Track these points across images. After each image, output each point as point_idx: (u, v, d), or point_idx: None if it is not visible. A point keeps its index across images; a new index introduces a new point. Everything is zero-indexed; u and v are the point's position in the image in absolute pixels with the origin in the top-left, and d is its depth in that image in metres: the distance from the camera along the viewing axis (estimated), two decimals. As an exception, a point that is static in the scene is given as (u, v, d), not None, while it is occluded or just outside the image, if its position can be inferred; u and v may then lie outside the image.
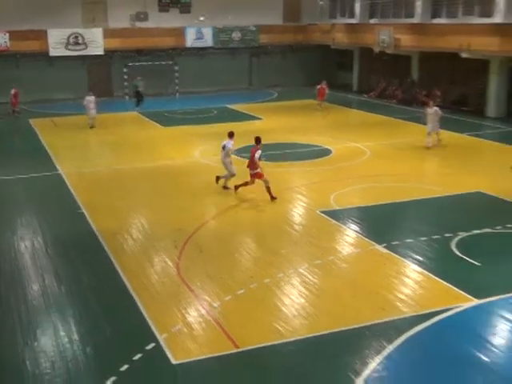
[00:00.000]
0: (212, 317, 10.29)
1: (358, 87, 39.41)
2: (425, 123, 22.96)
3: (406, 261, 12.47)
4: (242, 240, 14.24)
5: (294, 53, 40.87)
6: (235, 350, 9.25)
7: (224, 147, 17.28)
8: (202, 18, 38.53)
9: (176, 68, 38.50)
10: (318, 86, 31.74)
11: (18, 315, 10.52)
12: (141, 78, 34.65)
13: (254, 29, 40.26)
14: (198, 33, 39.28)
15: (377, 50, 34.94)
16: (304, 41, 40.77)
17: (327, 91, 31.53)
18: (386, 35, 34.00)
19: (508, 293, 10.87)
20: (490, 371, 8.72)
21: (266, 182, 16.33)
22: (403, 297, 10.89)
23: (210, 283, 11.63)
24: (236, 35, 40.20)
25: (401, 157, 21.67)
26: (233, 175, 17.44)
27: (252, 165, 16.51)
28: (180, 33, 38.87)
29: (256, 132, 26.37)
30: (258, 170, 16.38)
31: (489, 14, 29.26)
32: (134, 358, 9.00)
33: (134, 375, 8.68)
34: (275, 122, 29.10)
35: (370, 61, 37.78)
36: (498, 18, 28.39)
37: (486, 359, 8.94)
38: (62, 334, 9.87)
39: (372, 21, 37.63)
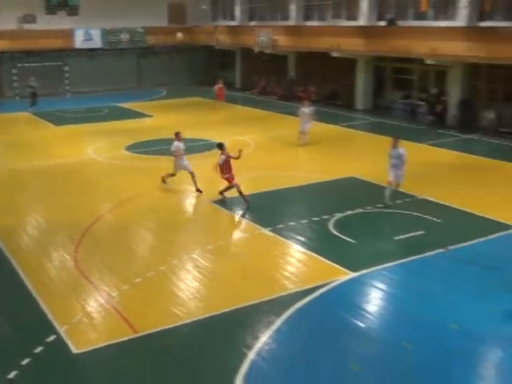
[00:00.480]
0: (111, 306, 10.07)
1: (241, 85, 39.74)
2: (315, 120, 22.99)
3: (289, 242, 12.77)
4: (138, 231, 14.01)
5: (180, 53, 40.53)
6: (135, 335, 9.11)
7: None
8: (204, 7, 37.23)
9: (66, 69, 37.09)
10: (216, 87, 31.08)
11: None
12: (34, 78, 33.04)
13: (142, 30, 39.54)
14: (86, 34, 38.00)
15: (257, 50, 35.39)
16: (189, 42, 40.51)
17: (225, 91, 31.17)
18: (265, 36, 34.50)
19: (379, 265, 11.39)
20: (366, 335, 9.13)
21: (237, 186, 15.16)
22: (288, 275, 11.16)
23: (108, 274, 11.36)
24: (124, 36, 39.31)
25: (283, 147, 22.09)
26: (173, 175, 16.50)
27: (222, 170, 15.34)
28: (68, 34, 37.44)
29: (147, 129, 26.19)
30: (228, 175, 15.23)
31: (354, 18, 30.42)
32: (35, 351, 8.64)
33: (35, 368, 8.33)
34: (165, 119, 28.74)
35: (251, 60, 38.19)
36: (362, 21, 29.58)
37: (362, 325, 9.35)
38: (-41, 333, 9.31)
39: (251, 23, 38.05)
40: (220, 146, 15.42)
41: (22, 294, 10.63)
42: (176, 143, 16.27)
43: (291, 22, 34.25)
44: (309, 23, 33.65)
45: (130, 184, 17.27)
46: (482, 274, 10.96)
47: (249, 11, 38.68)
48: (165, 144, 22.30)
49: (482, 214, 14.08)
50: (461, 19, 24.66)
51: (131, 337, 9.09)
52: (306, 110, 22.01)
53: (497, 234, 12.90)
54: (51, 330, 9.24)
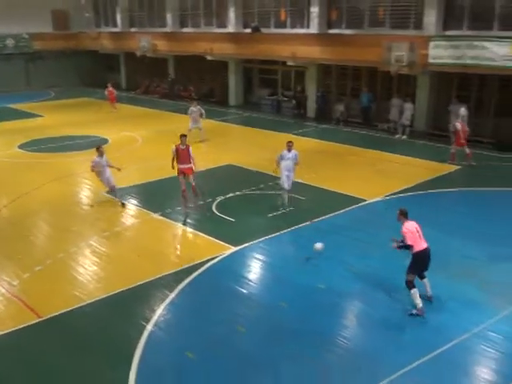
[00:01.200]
0: (12, 294, 9.47)
1: (127, 85, 38.55)
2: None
3: (178, 224, 12.68)
4: (36, 223, 13.20)
5: (67, 57, 38.35)
6: (38, 320, 8.66)
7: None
8: (87, 14, 34.05)
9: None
10: (106, 91, 29.08)
11: None
12: None
13: (27, 36, 36.94)
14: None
15: (139, 54, 34.51)
16: (75, 47, 38.61)
17: (115, 93, 29.47)
18: (146, 42, 33.74)
19: (256, 239, 11.63)
20: (249, 300, 9.31)
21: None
22: (179, 253, 11.13)
23: (8, 264, 10.66)
24: (10, 42, 36.53)
25: (168, 141, 21.64)
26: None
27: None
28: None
29: (38, 127, 24.63)
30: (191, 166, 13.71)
31: (224, 25, 30.56)
32: None
33: None
34: (55, 119, 27.18)
35: (134, 63, 37.12)
36: (230, 29, 29.80)
37: (245, 291, 9.53)
38: None
39: (133, 29, 36.94)
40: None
41: None
42: (96, 159, 13.80)
43: (168, 29, 33.70)
44: (184, 30, 33.29)
45: (25, 180, 16.22)
46: (342, 241, 11.54)
47: (129, 19, 37.53)
48: (56, 142, 21.29)
49: (340, 191, 14.78)
50: (313, 27, 25.60)
51: (35, 321, 8.63)
52: (195, 109, 21.50)
53: (353, 207, 13.61)
54: (-48, 323, 8.53)
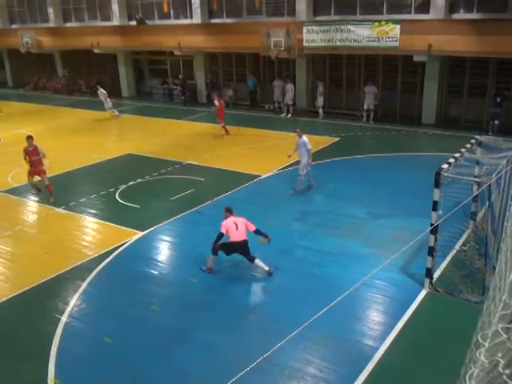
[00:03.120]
0: None
1: (13, 83, 35.77)
2: None
3: (83, 216, 12.14)
4: None
5: None
6: None
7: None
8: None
9: None
10: None
11: None
12: None
13: None
14: None
15: (23, 50, 32.07)
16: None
17: None
18: (29, 38, 31.42)
19: (161, 222, 11.47)
20: (160, 280, 9.16)
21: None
22: (86, 243, 10.65)
23: None
24: None
25: (61, 135, 20.59)
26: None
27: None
28: None
29: None
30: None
31: (109, 19, 29.26)
32: None
33: None
34: None
35: (20, 59, 34.45)
36: (115, 22, 28.62)
37: (155, 272, 9.38)
38: None
39: (13, 26, 34.16)
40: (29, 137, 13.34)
41: None
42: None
43: (52, 24, 31.60)
44: (68, 24, 31.39)
45: None
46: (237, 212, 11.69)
47: (9, 15, 34.61)
48: None
49: (236, 170, 14.92)
50: (196, 18, 25.29)
51: None
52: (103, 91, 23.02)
53: (249, 183, 13.82)
54: None
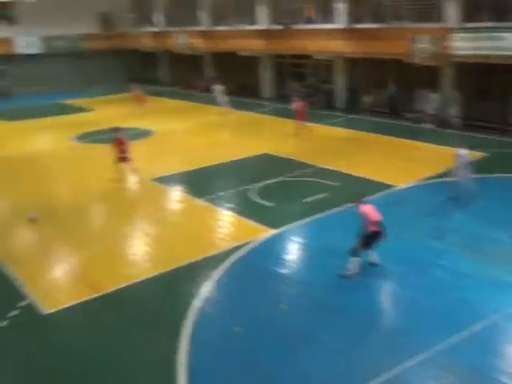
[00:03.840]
0: (73, 271, 9.66)
1: (168, 81, 38.71)
2: None
3: (220, 209, 12.69)
4: (91, 208, 13.42)
5: (113, 56, 38.60)
6: (96, 295, 8.81)
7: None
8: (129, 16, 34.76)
9: (11, 72, 34.53)
10: (132, 94, 28.21)
11: None
12: None
13: (77, 37, 37.42)
14: (26, 41, 35.50)
15: (178, 51, 34.56)
16: (120, 46, 38.88)
17: (142, 94, 28.14)
18: (183, 40, 33.77)
19: (293, 223, 11.55)
20: (288, 279, 9.25)
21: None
22: (222, 235, 11.12)
23: (70, 245, 10.89)
24: (62, 43, 37.05)
25: (207, 132, 21.82)
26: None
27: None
28: (9, 42, 34.78)
29: (89, 121, 24.99)
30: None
31: (254, 23, 30.29)
32: (10, 315, 8.18)
33: (12, 329, 7.90)
34: (104, 112, 27.56)
35: (173, 60, 37.21)
36: (261, 26, 29.51)
37: (284, 271, 9.49)
38: None
39: (171, 29, 36.93)
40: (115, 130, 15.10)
41: (-8, 268, 10.00)
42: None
43: (203, 27, 33.59)
44: (218, 28, 33.11)
45: (80, 168, 16.50)
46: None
47: (167, 18, 37.54)
48: (105, 134, 21.53)
49: (370, 178, 14.53)
50: (340, 22, 25.13)
51: (93, 296, 8.79)
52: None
53: (384, 192, 13.29)
54: (23, 295, 8.78)
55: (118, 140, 14.72)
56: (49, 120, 25.56)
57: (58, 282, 9.31)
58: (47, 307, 8.41)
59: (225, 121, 24.09)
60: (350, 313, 7.98)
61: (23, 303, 8.53)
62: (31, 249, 10.85)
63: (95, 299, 8.69)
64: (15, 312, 8.27)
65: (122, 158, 14.63)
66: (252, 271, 9.52)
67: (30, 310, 8.37)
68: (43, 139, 21.28)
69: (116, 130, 15.08)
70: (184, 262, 9.83)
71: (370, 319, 7.86)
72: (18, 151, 19.36)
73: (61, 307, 8.46)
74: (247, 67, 32.07)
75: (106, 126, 21.99)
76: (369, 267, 9.17)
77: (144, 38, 38.29)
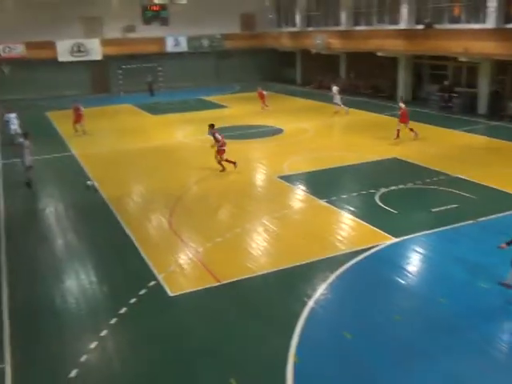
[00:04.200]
0: (198, 259, 10.27)
1: (301, 81, 39.17)
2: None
3: (342, 211, 12.58)
4: (218, 200, 14.10)
5: (250, 55, 40.18)
6: (217, 284, 9.28)
7: None
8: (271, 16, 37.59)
9: (159, 69, 37.59)
10: (257, 93, 28.25)
11: (46, 264, 10.35)
12: (150, 75, 35.88)
13: (219, 36, 39.43)
14: (175, 40, 38.39)
15: (314, 51, 34.75)
16: (258, 45, 40.22)
17: (265, 93, 28.02)
18: (321, 40, 33.80)
19: (418, 232, 11.07)
20: (406, 291, 8.91)
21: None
22: (341, 238, 11.01)
23: (195, 233, 11.57)
24: (205, 42, 39.36)
25: (335, 133, 21.74)
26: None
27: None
28: (161, 41, 37.88)
29: (225, 117, 26.26)
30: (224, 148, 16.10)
31: (396, 22, 29.27)
32: (140, 293, 8.96)
33: (140, 306, 8.64)
34: (239, 109, 28.75)
35: (309, 60, 37.52)
36: (402, 25, 28.45)
37: (403, 282, 9.13)
38: (83, 277, 9.76)
39: (309, 29, 37.24)
40: (212, 126, 16.41)
41: (128, 246, 11.04)
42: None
43: (342, 27, 33.31)
44: (357, 28, 32.62)
45: (212, 163, 17.38)
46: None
47: (307, 19, 37.89)
48: (238, 130, 22.49)
49: (510, 192, 13.34)
50: (490, 22, 23.25)
51: (214, 284, 9.26)
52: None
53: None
54: (151, 277, 9.54)
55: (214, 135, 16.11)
56: (187, 115, 27.36)
57: (183, 267, 9.97)
58: (172, 290, 9.07)
59: (354, 121, 23.75)
60: (468, 336, 7.44)
61: (151, 284, 9.29)
62: (161, 234, 11.76)
63: (216, 288, 9.15)
64: (144, 291, 9.05)
65: (222, 151, 16.05)
66: (369, 278, 9.33)
67: (157, 291, 9.08)
68: (182, 132, 22.84)
69: (211, 126, 16.48)
70: (302, 261, 9.93)
71: (490, 346, 7.24)
72: (160, 142, 21.04)
73: (184, 291, 9.07)
74: (383, 68, 31.22)
75: (238, 122, 22.95)
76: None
77: (283, 37, 39.15)
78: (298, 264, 9.86)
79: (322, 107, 28.92)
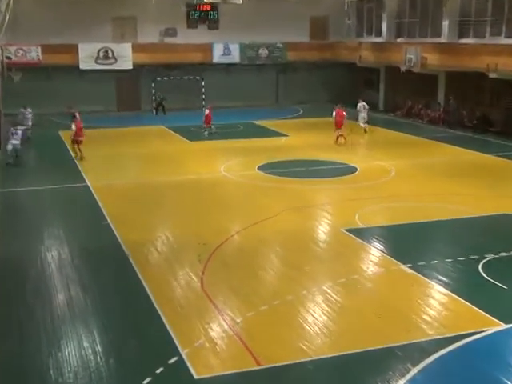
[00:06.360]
0: (234, 332, 10.21)
1: (384, 106, 39.26)
2: None
3: (431, 282, 12.27)
4: (266, 255, 14.14)
5: (320, 70, 40.76)
6: (257, 367, 9.15)
7: None
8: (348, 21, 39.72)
9: (203, 83, 38.73)
10: (334, 113, 28.02)
11: (44, 324, 10.57)
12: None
13: (281, 46, 40.36)
14: (225, 49, 39.52)
15: (403, 68, 34.77)
16: (330, 58, 40.73)
17: (344, 114, 27.89)
18: (413, 54, 33.85)
19: (536, 318, 10.64)
20: (518, 397, 8.51)
21: None
22: (428, 318, 10.69)
23: (233, 298, 11.56)
24: (263, 52, 40.35)
25: (426, 176, 21.43)
26: None
27: None
28: (207, 48, 39.20)
29: (282, 148, 26.55)
30: None
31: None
32: (157, 372, 8.95)
33: (154, 389, 8.66)
34: (301, 139, 29.08)
35: (396, 79, 37.61)
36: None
37: (512, 385, 8.73)
38: (86, 344, 9.88)
39: (399, 40, 37.54)
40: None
41: (146, 308, 11.13)
42: None
43: (443, 39, 33.36)
44: (463, 40, 32.57)
45: (261, 206, 17.56)
46: None
47: (396, 27, 38.20)
48: (298, 166, 22.65)
49: None
50: None
51: (253, 368, 9.14)
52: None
53: None
54: (173, 351, 9.53)
55: None
56: (233, 143, 27.95)
57: (215, 342, 9.91)
58: (198, 371, 8.99)
59: (452, 162, 23.42)
60: None
61: (172, 360, 9.27)
62: (190, 295, 11.81)
63: (256, 372, 9.02)
64: (162, 369, 9.03)
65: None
66: (464, 376, 8.94)
67: (179, 371, 9.03)
68: (225, 164, 23.22)
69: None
70: (373, 347, 9.68)
71: None
72: (195, 176, 21.49)
73: (213, 374, 8.98)
74: (495, 94, 30.84)
75: (298, 155, 23.15)
76: None
77: (363, 49, 39.47)
78: (367, 349, 9.61)
79: (410, 141, 28.78)
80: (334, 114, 27.91)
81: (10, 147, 22.85)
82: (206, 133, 29.90)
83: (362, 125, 30.44)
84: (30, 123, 28.37)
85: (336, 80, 40.62)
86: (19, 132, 23.41)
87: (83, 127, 24.51)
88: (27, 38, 35.48)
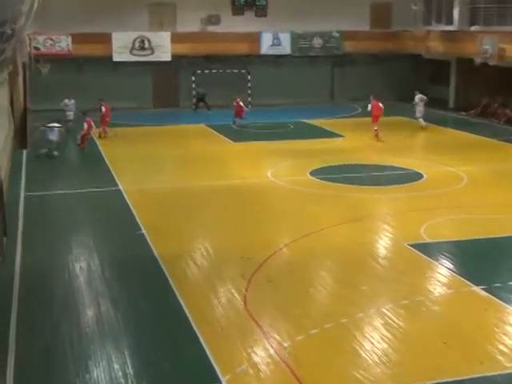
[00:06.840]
0: (281, 358, 10.19)
1: (455, 103, 38.72)
2: None
3: (509, 307, 12.04)
4: (318, 272, 14.10)
5: (381, 62, 40.49)
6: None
7: None
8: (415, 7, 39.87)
9: (249, 77, 38.92)
10: (370, 106, 29.15)
11: (70, 343, 10.74)
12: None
13: (338, 35, 40.23)
14: (274, 38, 39.56)
15: (478, 61, 34.23)
16: (393, 49, 40.35)
17: (381, 106, 29.04)
18: (490, 44, 33.32)
19: None
20: None
21: None
22: (505, 349, 10.47)
23: (281, 319, 11.56)
24: (317, 42, 40.27)
25: (504, 185, 21.06)
26: None
27: None
28: (254, 38, 39.35)
29: (338, 151, 26.46)
30: None
31: None
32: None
33: None
34: (358, 141, 28.93)
35: (469, 74, 37.02)
36: None
37: None
38: (116, 366, 10.00)
39: (473, 28, 36.99)
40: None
41: (183, 328, 11.20)
42: None
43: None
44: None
45: (313, 216, 17.51)
46: None
47: (470, 13, 37.64)
48: (356, 171, 22.54)
49: None
50: None
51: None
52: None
53: None
54: (212, 376, 9.57)
55: None
56: (282, 144, 27.98)
57: (260, 368, 9.88)
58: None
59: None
60: None
61: (212, 387, 9.36)
62: (232, 315, 11.85)
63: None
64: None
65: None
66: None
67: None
68: (273, 168, 23.27)
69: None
70: (439, 379, 9.53)
71: None
72: (239, 181, 21.61)
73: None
74: None
75: (355, 159, 23.04)
76: None
77: (431, 39, 39.03)
78: (432, 382, 9.49)
79: (486, 145, 28.34)
80: (369, 106, 28.03)
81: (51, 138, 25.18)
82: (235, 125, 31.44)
83: (421, 121, 30.44)
84: (72, 116, 30.37)
85: (399, 74, 40.41)
86: (55, 130, 25.31)
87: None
88: (57, 26, 36.03)
